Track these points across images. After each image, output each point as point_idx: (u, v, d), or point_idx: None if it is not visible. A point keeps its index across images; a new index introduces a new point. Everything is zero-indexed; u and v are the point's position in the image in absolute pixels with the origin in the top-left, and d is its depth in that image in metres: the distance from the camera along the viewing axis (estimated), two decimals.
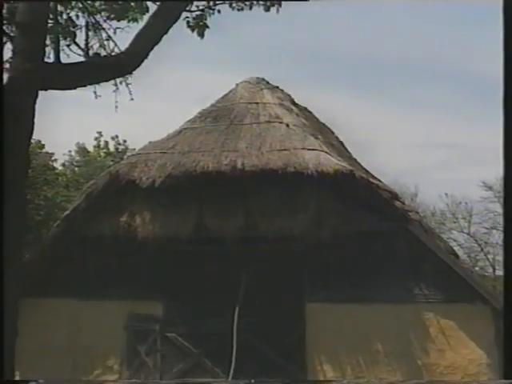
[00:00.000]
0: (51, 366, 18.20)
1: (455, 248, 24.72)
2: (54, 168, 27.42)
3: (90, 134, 33.03)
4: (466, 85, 48.89)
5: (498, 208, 31.15)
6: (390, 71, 48.04)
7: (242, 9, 8.95)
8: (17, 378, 14.84)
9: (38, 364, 17.69)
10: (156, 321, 18.61)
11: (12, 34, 8.74)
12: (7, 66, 8.65)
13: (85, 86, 9.05)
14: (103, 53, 9.16)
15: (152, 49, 8.76)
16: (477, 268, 29.61)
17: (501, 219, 31.38)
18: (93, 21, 9.02)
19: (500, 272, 32.00)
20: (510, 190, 5.33)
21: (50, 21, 8.65)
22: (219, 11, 8.89)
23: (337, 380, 11.15)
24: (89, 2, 8.79)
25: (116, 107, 9.33)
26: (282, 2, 8.85)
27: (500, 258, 32.22)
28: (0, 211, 8.34)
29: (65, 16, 8.91)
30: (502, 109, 5.66)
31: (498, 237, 31.50)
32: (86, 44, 9.14)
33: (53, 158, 27.69)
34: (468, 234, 32.08)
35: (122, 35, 8.94)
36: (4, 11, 8.59)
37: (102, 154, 31.47)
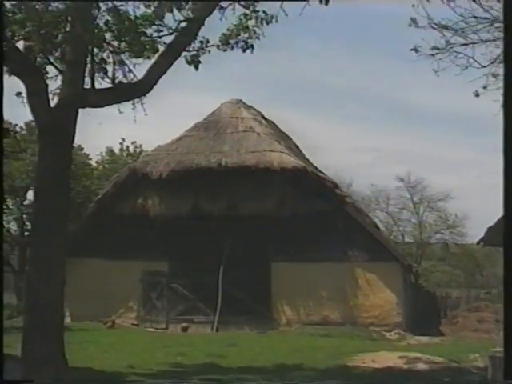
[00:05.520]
0: (89, 306, 18.11)
1: (377, 222, 24.95)
2: (90, 164, 27.12)
3: (116, 140, 32.63)
4: (386, 106, 49.59)
5: (407, 194, 31.76)
6: (337, 95, 48.71)
7: (226, 50, 9.02)
8: (66, 313, 14.38)
9: (80, 304, 17.66)
10: (163, 275, 18.60)
11: (62, 69, 8.77)
12: (57, 91, 8.72)
13: (112, 104, 9.06)
14: (125, 81, 9.16)
15: (160, 78, 8.85)
16: (391, 237, 29.90)
17: (408, 202, 31.87)
18: (118, 58, 9.01)
19: (407, 239, 32.45)
20: (511, 190, 4.92)
21: (88, 59, 8.69)
22: (209, 51, 8.95)
23: None
24: (116, 45, 8.77)
25: (134, 120, 9.29)
26: (255, 45, 8.93)
27: (407, 229, 32.79)
28: (0, 205, 8.50)
29: (99, 56, 8.92)
30: (503, 114, 5.46)
31: (406, 215, 32.09)
32: (113, 75, 9.12)
33: (89, 157, 27.44)
34: (386, 212, 32.43)
35: (139, 68, 8.97)
36: (57, 53, 8.60)
37: (124, 154, 31.08)
